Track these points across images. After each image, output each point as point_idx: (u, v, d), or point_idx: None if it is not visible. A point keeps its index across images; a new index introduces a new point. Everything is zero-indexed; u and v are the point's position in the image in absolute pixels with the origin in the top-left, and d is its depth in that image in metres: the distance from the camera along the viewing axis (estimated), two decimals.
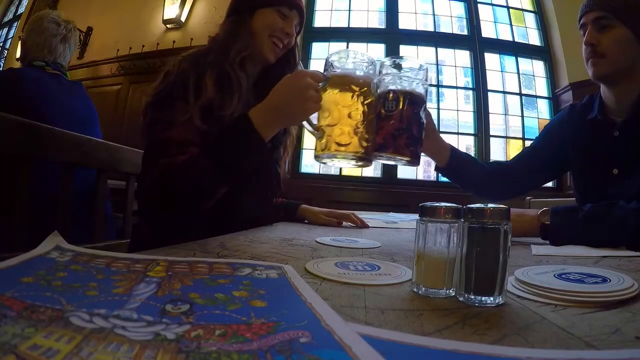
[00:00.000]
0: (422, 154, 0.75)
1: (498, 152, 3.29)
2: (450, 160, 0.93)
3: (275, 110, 0.73)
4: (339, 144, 0.67)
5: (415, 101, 0.67)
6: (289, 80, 0.72)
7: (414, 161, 0.69)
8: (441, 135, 0.95)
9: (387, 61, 0.68)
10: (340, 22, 3.53)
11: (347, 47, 3.47)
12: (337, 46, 3.49)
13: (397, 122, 0.66)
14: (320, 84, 0.69)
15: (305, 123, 0.71)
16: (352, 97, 0.67)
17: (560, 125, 1.07)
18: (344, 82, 0.67)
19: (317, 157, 0.71)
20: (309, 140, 3.36)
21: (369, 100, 0.67)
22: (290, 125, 0.79)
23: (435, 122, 3.22)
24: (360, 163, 0.69)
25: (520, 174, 1.07)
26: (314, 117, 0.71)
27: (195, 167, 0.72)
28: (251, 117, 0.73)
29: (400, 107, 0.66)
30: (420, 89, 0.67)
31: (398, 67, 0.68)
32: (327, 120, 0.68)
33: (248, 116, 0.73)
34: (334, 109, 0.68)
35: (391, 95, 0.66)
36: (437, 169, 0.97)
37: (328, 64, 0.70)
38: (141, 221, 0.95)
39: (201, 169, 0.72)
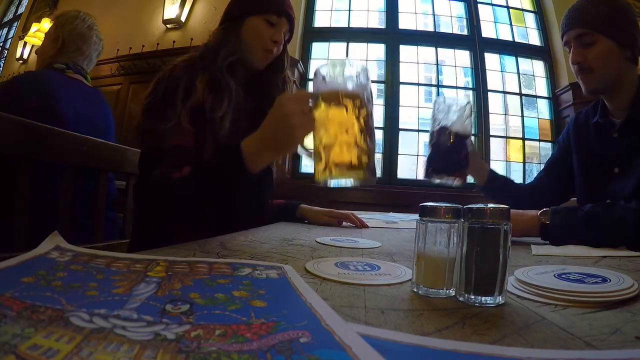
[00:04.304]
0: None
1: (498, 152, 3.29)
2: (487, 180, 1.08)
3: (265, 142, 0.70)
4: (338, 164, 0.63)
5: (466, 136, 0.85)
6: (274, 109, 0.69)
7: (463, 182, 0.91)
8: None
9: (440, 98, 0.84)
10: (340, 22, 3.53)
11: (347, 47, 3.47)
12: (337, 46, 3.49)
13: (451, 153, 0.85)
14: (310, 104, 0.66)
15: (299, 149, 0.68)
16: (346, 111, 0.63)
17: (568, 134, 1.14)
18: (335, 97, 0.64)
19: (317, 182, 0.66)
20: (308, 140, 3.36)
21: (364, 111, 0.65)
22: (284, 154, 0.77)
23: None
24: (364, 179, 0.65)
25: (547, 188, 1.14)
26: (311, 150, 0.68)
27: (185, 187, 0.74)
28: (243, 147, 0.71)
29: (454, 143, 0.84)
30: (468, 124, 0.85)
31: (449, 103, 0.85)
32: (324, 140, 0.65)
33: (240, 147, 0.71)
34: (329, 127, 0.64)
35: (446, 132, 0.84)
36: (477, 187, 1.12)
37: (318, 77, 0.66)
38: (137, 222, 0.96)
39: (190, 190, 0.73)
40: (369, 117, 0.65)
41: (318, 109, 0.65)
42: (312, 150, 0.66)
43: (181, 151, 0.79)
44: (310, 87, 0.69)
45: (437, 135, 0.85)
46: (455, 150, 0.85)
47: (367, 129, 0.65)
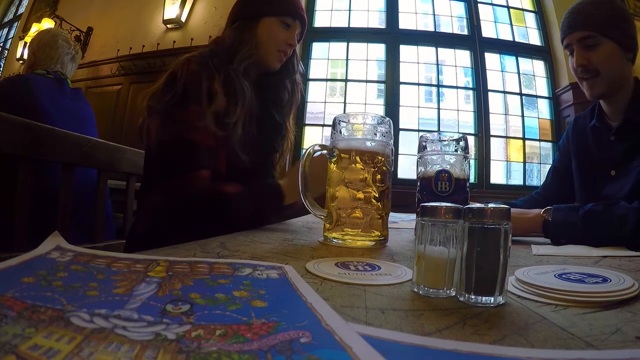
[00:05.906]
0: None
1: (498, 152, 3.29)
2: None
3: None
4: (350, 228, 0.61)
5: (465, 180, 0.66)
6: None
7: None
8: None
9: (430, 136, 0.67)
10: (340, 22, 3.53)
11: (348, 47, 3.47)
12: (338, 46, 3.48)
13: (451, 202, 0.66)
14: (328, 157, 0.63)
15: (310, 208, 0.65)
16: (362, 172, 0.60)
17: (567, 139, 1.14)
18: (351, 155, 0.61)
19: (326, 237, 0.64)
20: (309, 139, 3.37)
21: (383, 170, 0.62)
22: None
23: (436, 122, 3.26)
24: (375, 247, 0.62)
25: (554, 198, 1.10)
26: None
27: (242, 203, 0.80)
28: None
29: (453, 188, 0.64)
30: (466, 166, 0.66)
31: (440, 140, 0.67)
32: (335, 201, 0.62)
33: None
34: (341, 188, 0.61)
35: (443, 176, 0.64)
36: None
37: (337, 129, 0.62)
38: (138, 220, 0.95)
39: (245, 206, 0.80)
40: (387, 177, 0.62)
41: (334, 165, 0.63)
42: (325, 213, 0.64)
43: (216, 152, 0.80)
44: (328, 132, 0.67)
45: (433, 182, 0.65)
46: (456, 198, 0.65)
47: (385, 191, 0.62)
